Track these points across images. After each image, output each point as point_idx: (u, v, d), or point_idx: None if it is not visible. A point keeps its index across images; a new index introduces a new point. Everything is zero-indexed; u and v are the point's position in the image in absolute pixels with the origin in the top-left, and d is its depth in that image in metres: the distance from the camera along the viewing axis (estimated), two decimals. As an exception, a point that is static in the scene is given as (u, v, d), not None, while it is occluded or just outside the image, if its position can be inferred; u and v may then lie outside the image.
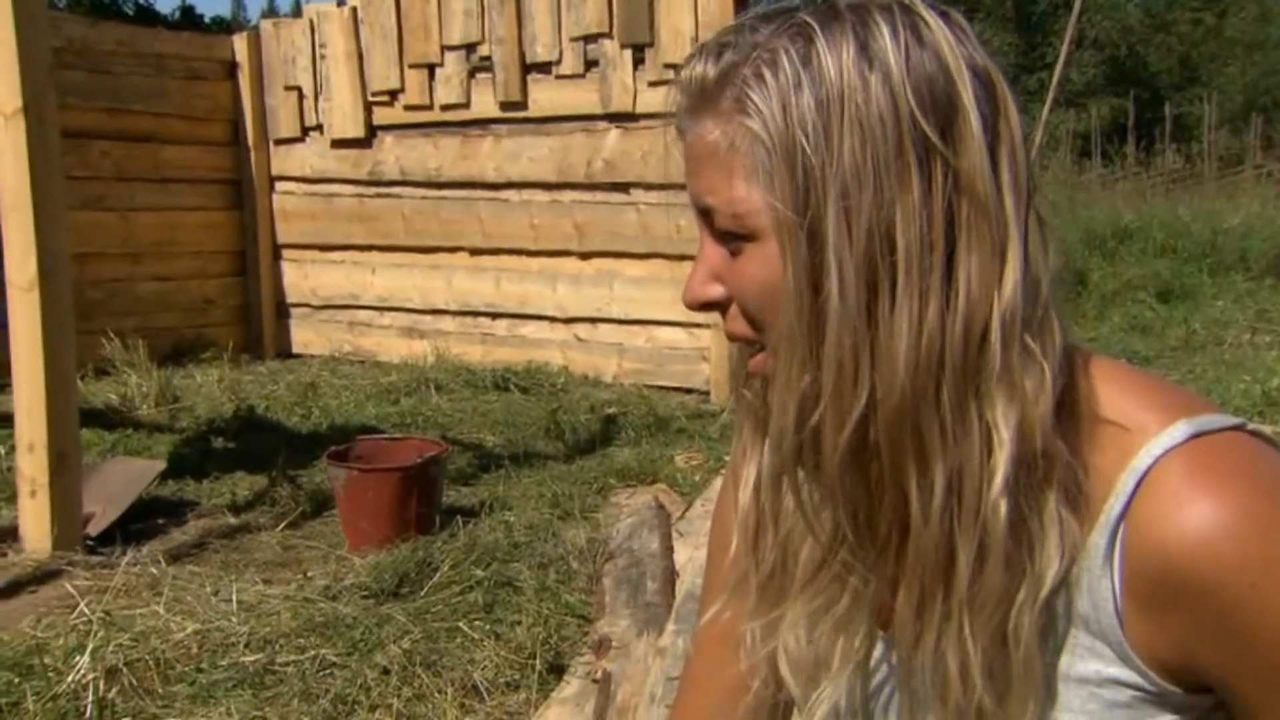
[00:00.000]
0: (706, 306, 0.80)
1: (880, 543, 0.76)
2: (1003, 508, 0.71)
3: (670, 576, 3.12)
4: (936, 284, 0.71)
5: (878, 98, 0.71)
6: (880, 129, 0.70)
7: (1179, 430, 0.72)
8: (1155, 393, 0.76)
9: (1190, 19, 28.55)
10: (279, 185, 7.15)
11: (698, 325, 5.83)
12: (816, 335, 0.72)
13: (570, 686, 2.59)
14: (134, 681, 2.62)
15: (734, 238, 0.76)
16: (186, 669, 2.72)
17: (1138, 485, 0.71)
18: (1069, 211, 10.27)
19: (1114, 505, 0.72)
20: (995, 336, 0.71)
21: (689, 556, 3.25)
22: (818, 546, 0.80)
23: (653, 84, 5.80)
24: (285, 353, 7.15)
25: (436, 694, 2.53)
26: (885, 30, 0.71)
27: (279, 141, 7.08)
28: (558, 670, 2.69)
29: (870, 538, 0.76)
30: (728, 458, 4.54)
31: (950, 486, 0.71)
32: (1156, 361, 6.20)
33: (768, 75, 0.73)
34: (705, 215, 0.78)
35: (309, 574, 3.35)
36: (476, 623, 2.88)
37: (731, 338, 0.81)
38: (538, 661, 2.68)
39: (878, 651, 0.82)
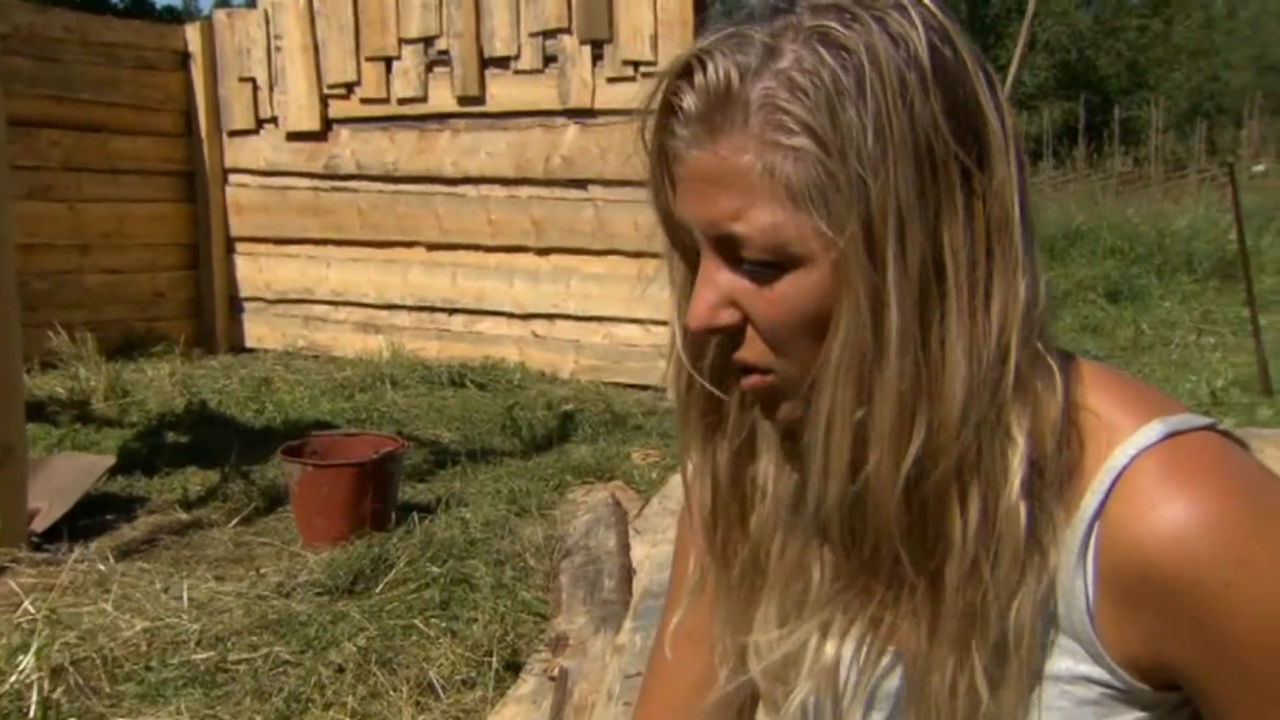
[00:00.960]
0: (714, 332, 0.75)
1: (916, 570, 0.73)
2: (1021, 512, 0.71)
3: (627, 574, 3.12)
4: (980, 305, 0.69)
5: (920, 108, 0.67)
6: (927, 143, 0.67)
7: (1154, 429, 0.72)
8: (1130, 392, 0.76)
9: (1138, 25, 29.02)
10: (232, 178, 7.06)
11: (655, 322, 5.83)
12: (875, 368, 0.68)
13: (527, 684, 2.58)
14: (80, 681, 2.58)
15: (766, 265, 0.71)
16: (135, 668, 2.69)
17: (1113, 484, 0.72)
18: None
19: (1089, 503, 0.72)
20: (1014, 347, 0.70)
21: (646, 554, 3.25)
22: (827, 573, 0.79)
23: (612, 80, 5.80)
24: (238, 347, 7.06)
25: (392, 692, 2.52)
26: (911, 32, 0.67)
27: (233, 133, 6.99)
28: (514, 668, 2.68)
29: (913, 566, 0.73)
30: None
31: (985, 505, 0.70)
32: (1106, 361, 6.29)
33: (809, 87, 0.67)
34: (722, 241, 0.72)
35: (262, 571, 3.31)
36: (432, 620, 2.87)
37: (742, 365, 0.76)
38: (494, 659, 2.67)
39: (848, 651, 0.82)
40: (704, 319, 0.74)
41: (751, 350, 0.75)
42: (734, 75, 0.69)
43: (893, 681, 0.78)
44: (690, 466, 0.85)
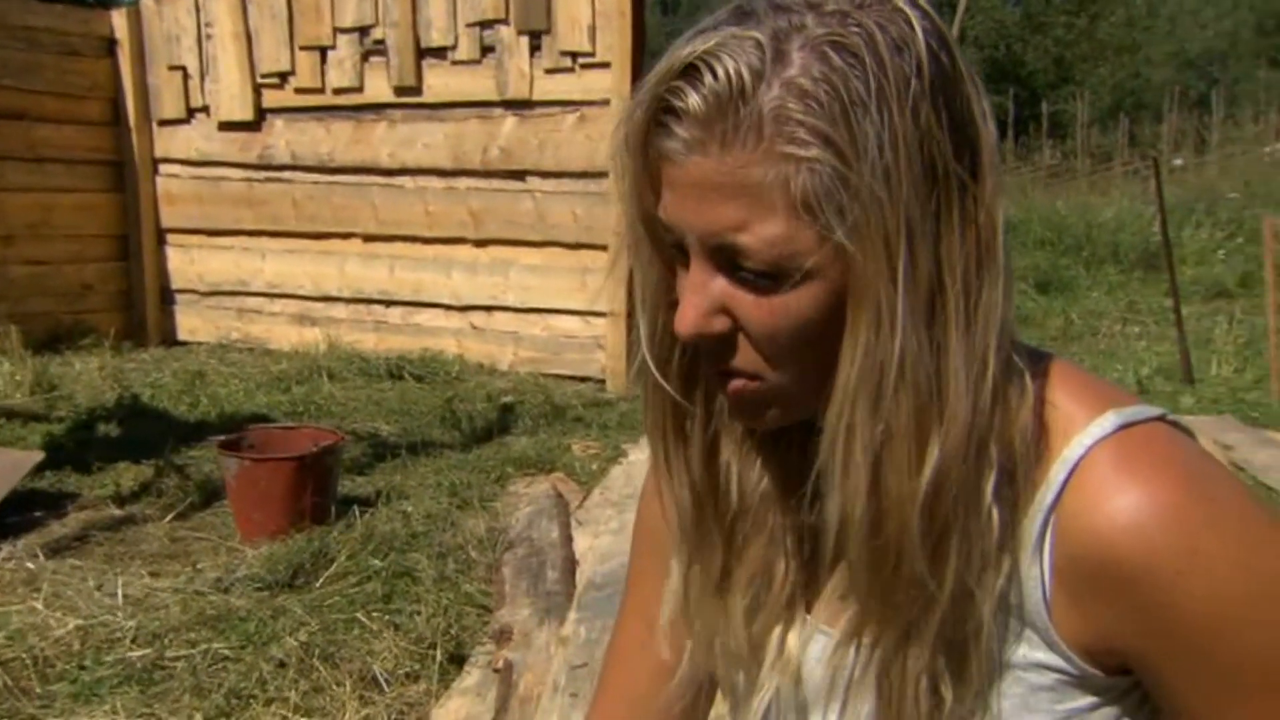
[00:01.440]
0: (704, 339, 0.74)
1: (938, 584, 0.72)
2: (995, 520, 0.72)
3: (571, 565, 3.14)
4: (972, 316, 0.69)
5: (925, 118, 0.66)
6: (930, 154, 0.67)
7: (1107, 421, 0.74)
8: (1084, 385, 0.78)
9: (1064, 21, 29.58)
10: (163, 168, 6.92)
11: (594, 314, 5.84)
12: (893, 384, 0.68)
13: (471, 676, 2.59)
14: (9, 682, 2.53)
15: (766, 275, 0.70)
16: (68, 667, 2.64)
17: (1069, 476, 0.73)
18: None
19: (1046, 495, 0.73)
20: (993, 356, 0.70)
21: (589, 545, 3.26)
22: (793, 567, 0.80)
23: (550, 71, 5.79)
24: (170, 340, 6.94)
25: (335, 686, 2.50)
26: (913, 38, 0.67)
27: (163, 122, 6.85)
28: (458, 660, 2.68)
29: (934, 581, 0.72)
30: (625, 446, 4.53)
31: (966, 515, 0.71)
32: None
33: (822, 96, 0.66)
34: (720, 249, 0.71)
35: (199, 566, 3.27)
36: (375, 613, 2.85)
37: (730, 372, 0.75)
38: (438, 652, 2.67)
39: (814, 646, 0.82)
40: (696, 326, 0.73)
41: (741, 358, 0.74)
42: (746, 81, 0.66)
43: (858, 676, 0.79)
44: (663, 465, 0.84)
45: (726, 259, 0.71)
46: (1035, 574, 0.74)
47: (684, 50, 0.68)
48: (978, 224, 0.69)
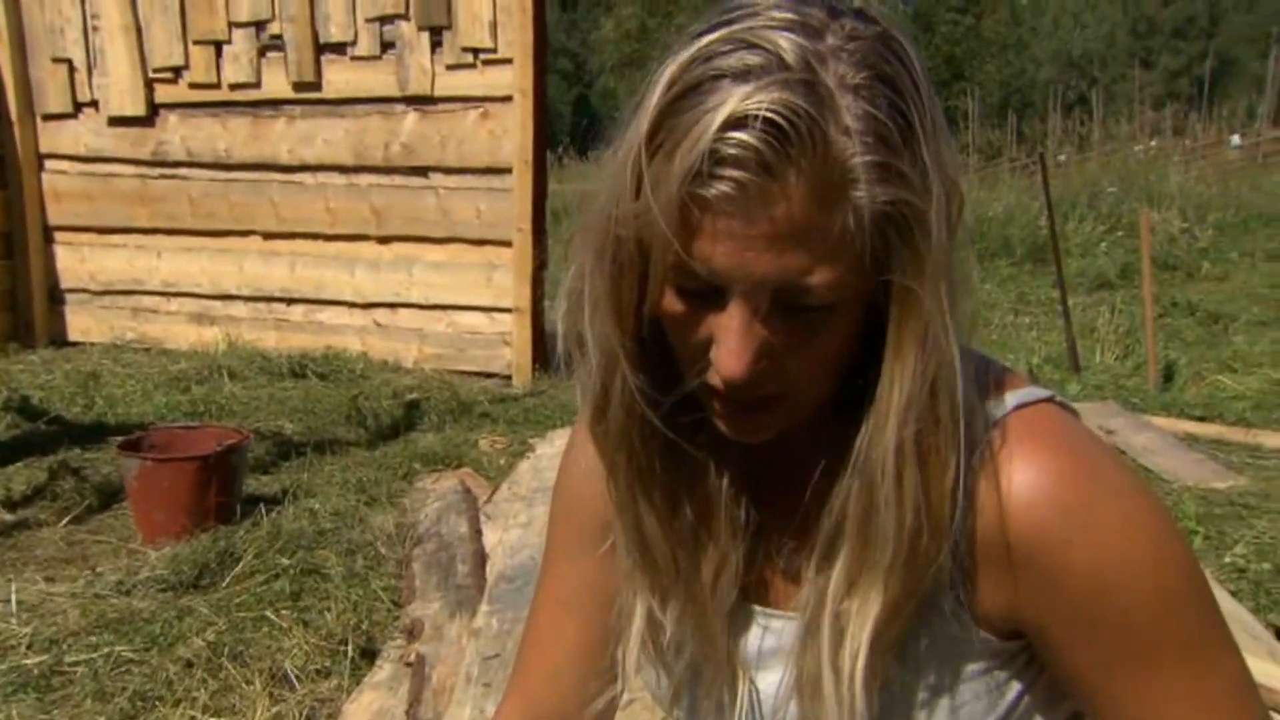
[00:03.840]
0: (751, 379, 0.73)
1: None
2: (960, 496, 0.76)
3: (480, 559, 3.15)
4: (961, 313, 0.73)
5: (940, 137, 0.70)
6: (945, 170, 0.70)
7: (1003, 404, 0.80)
8: (984, 370, 0.83)
9: (950, 19, 30.34)
10: (49, 164, 6.68)
11: (499, 310, 5.85)
12: (935, 398, 0.72)
13: (383, 671, 2.60)
14: (-103, 693, 2.46)
15: (822, 309, 0.71)
16: (-39, 676, 2.57)
17: (969, 455, 0.78)
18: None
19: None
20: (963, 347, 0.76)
21: (498, 539, 3.28)
22: (735, 561, 0.84)
23: (451, 67, 5.77)
24: (60, 341, 6.72)
25: (245, 684, 2.49)
26: (911, 57, 0.70)
27: (47, 117, 6.62)
28: (370, 655, 2.69)
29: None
30: (532, 440, 4.54)
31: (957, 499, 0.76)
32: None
33: (878, 132, 0.67)
34: (776, 292, 0.70)
35: (98, 569, 3.21)
36: (283, 611, 2.84)
37: (751, 399, 0.76)
38: (349, 647, 2.67)
39: (760, 625, 0.87)
40: (748, 371, 0.72)
41: (771, 383, 0.75)
42: (807, 130, 0.66)
43: (783, 643, 0.83)
44: (627, 496, 0.84)
45: (783, 299, 0.71)
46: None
47: (723, 99, 0.67)
48: (961, 221, 0.74)
